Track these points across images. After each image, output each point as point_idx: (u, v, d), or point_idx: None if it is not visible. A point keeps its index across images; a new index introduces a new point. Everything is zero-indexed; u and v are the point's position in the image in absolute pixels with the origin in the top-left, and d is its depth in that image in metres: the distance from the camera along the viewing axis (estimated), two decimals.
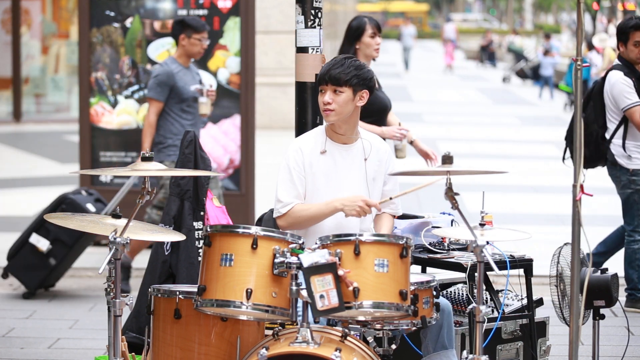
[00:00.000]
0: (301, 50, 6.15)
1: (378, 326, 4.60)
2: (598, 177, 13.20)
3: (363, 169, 5.13)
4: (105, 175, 9.79)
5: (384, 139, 7.31)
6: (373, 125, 7.17)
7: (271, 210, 5.34)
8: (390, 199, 5.04)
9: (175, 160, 7.71)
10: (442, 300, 4.98)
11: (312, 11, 6.12)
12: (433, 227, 5.70)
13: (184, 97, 8.29)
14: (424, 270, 5.95)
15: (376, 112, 7.15)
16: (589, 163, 7.73)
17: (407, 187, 5.11)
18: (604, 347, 6.03)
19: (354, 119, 5.13)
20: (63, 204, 8.21)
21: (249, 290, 4.25)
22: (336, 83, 5.00)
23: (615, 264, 7.18)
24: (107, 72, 9.75)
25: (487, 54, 46.66)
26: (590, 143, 7.63)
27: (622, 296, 7.48)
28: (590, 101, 7.82)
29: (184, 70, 8.34)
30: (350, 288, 4.23)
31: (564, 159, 7.79)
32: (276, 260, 4.28)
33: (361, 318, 4.45)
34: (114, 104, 9.77)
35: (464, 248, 5.75)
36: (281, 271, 4.27)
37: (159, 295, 4.61)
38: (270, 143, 15.11)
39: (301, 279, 4.20)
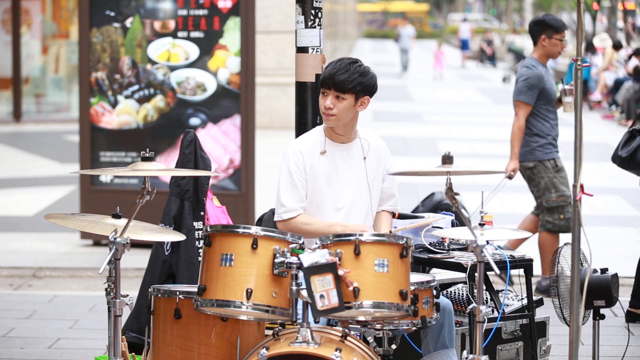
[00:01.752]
0: (301, 50, 6.14)
1: (378, 326, 4.60)
2: (598, 177, 13.13)
3: (363, 168, 5.13)
4: (105, 175, 9.78)
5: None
6: None
7: (271, 210, 5.35)
8: (390, 232, 5.02)
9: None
10: (443, 300, 4.98)
11: (312, 11, 6.12)
12: (433, 227, 5.70)
13: (551, 98, 8.21)
14: (423, 270, 5.95)
15: None
16: None
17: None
18: (604, 347, 6.03)
19: (354, 122, 5.13)
20: None
21: (249, 290, 4.25)
22: (339, 89, 4.99)
23: (616, 264, 7.17)
24: (107, 72, 9.75)
25: (486, 55, 46.67)
26: None
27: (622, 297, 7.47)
28: None
29: (546, 71, 8.23)
30: (351, 288, 4.23)
31: None
32: (276, 260, 4.27)
33: (361, 318, 4.45)
34: (114, 104, 9.77)
35: (464, 248, 5.75)
36: (281, 271, 4.27)
37: (159, 295, 4.61)
38: (270, 143, 15.11)
39: (301, 279, 4.19)
